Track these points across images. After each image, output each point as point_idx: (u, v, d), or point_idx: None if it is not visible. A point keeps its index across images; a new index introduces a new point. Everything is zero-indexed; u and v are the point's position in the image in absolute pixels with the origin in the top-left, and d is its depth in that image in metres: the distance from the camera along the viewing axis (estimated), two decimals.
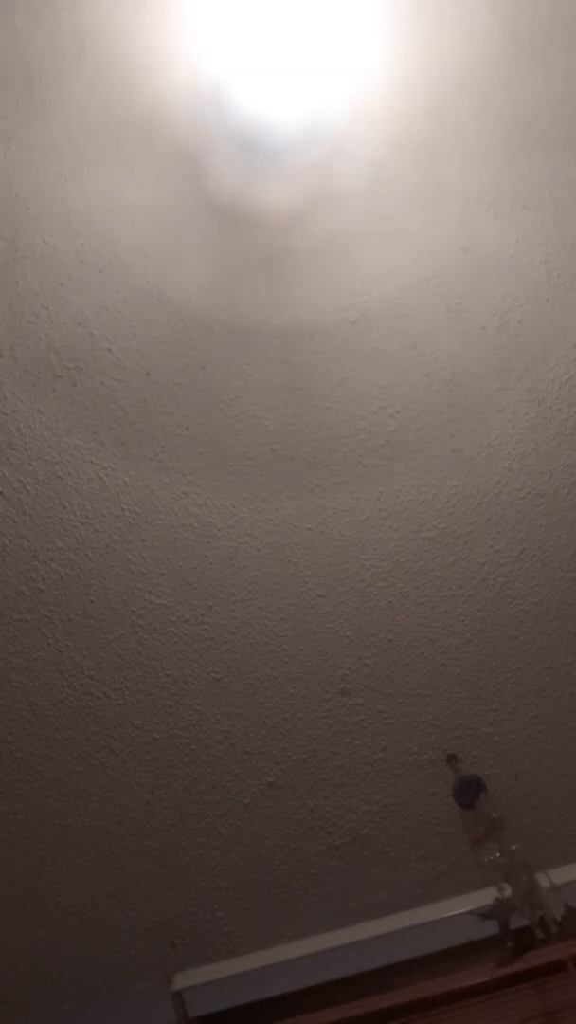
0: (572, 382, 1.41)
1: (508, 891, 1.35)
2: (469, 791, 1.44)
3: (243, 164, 1.20)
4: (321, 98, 1.17)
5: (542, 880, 1.34)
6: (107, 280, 1.26)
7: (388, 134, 1.21)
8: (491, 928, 1.43)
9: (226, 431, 1.37)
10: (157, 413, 1.34)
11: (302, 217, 1.25)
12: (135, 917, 1.51)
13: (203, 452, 1.37)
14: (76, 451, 1.34)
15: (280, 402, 1.37)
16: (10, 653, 1.40)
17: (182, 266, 1.27)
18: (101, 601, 1.41)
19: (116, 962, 1.52)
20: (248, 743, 1.48)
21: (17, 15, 1.08)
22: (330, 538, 1.44)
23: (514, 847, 1.37)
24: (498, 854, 1.38)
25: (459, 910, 1.49)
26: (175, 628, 1.43)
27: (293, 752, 1.49)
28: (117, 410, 1.33)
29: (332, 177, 1.23)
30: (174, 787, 1.48)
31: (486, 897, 1.41)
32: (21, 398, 1.30)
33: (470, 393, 1.40)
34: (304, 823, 1.51)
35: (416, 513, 1.45)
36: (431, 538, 1.46)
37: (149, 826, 1.49)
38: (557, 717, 1.53)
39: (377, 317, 1.34)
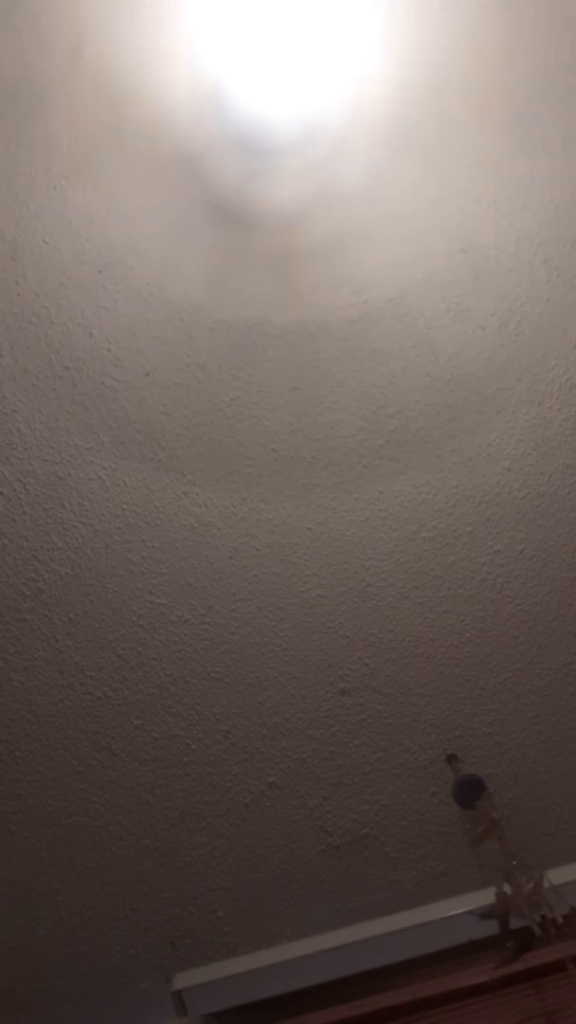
0: (572, 382, 1.41)
1: (508, 891, 1.35)
2: (469, 791, 1.44)
3: (243, 164, 1.20)
4: (321, 98, 1.17)
5: (543, 880, 1.34)
6: (107, 280, 1.26)
7: (388, 134, 1.21)
8: (491, 928, 1.43)
9: (226, 431, 1.37)
10: (157, 413, 1.34)
11: (302, 217, 1.25)
12: (135, 917, 1.51)
13: (203, 452, 1.37)
14: (76, 451, 1.34)
15: (280, 402, 1.37)
16: (10, 653, 1.40)
17: (182, 266, 1.27)
18: (101, 601, 1.41)
19: (116, 962, 1.52)
20: (248, 743, 1.48)
21: (17, 15, 1.08)
22: (330, 538, 1.44)
23: (514, 847, 1.37)
24: (498, 854, 1.38)
25: (459, 910, 1.49)
26: (175, 628, 1.43)
27: (293, 752, 1.49)
28: (117, 410, 1.33)
29: (332, 177, 1.23)
30: (174, 787, 1.48)
31: (486, 897, 1.41)
32: (21, 398, 1.30)
33: (470, 393, 1.40)
34: (304, 823, 1.51)
35: (416, 513, 1.45)
36: (431, 538, 1.46)
37: (149, 826, 1.49)
38: (557, 717, 1.53)
39: (377, 317, 1.34)
